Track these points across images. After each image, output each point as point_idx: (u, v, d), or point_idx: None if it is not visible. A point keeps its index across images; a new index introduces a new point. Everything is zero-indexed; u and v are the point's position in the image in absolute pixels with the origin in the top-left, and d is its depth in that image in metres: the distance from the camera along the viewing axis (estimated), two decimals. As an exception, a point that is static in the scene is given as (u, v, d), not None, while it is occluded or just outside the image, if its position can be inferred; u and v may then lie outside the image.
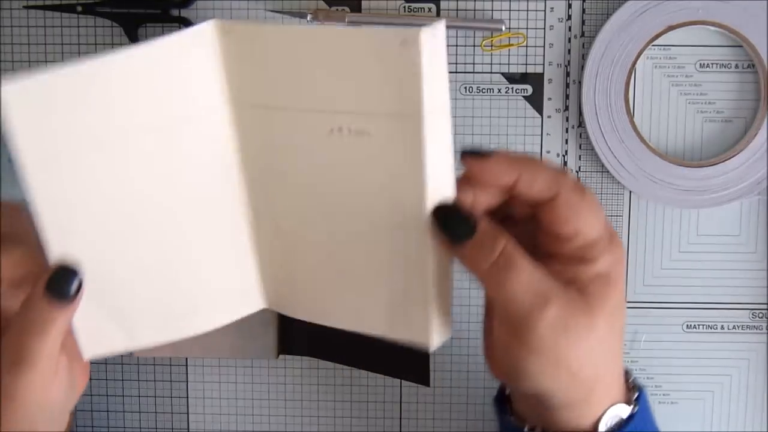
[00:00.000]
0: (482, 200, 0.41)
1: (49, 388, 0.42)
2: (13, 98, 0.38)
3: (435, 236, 0.40)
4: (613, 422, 0.43)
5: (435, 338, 0.42)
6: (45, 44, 0.59)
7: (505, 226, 0.41)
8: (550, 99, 0.59)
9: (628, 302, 0.60)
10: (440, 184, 0.39)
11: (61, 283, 0.41)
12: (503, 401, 0.47)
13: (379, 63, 0.37)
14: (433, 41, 0.35)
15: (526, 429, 0.44)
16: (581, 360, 0.40)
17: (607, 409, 0.42)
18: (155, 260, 0.44)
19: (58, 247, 0.42)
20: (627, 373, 0.45)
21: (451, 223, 0.39)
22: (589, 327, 0.40)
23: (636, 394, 0.45)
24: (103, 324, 0.44)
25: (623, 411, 0.43)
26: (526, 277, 0.39)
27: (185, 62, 0.41)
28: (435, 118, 0.37)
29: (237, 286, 0.46)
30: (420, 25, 0.35)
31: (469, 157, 0.40)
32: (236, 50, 0.41)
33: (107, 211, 0.42)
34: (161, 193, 0.43)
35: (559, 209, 0.40)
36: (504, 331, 0.41)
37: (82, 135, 0.40)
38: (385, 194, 0.40)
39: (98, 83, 0.40)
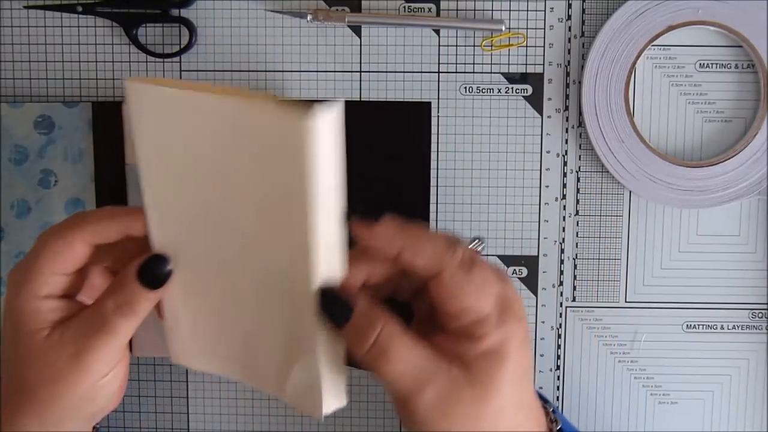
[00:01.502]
0: (377, 272, 0.42)
1: (115, 369, 0.45)
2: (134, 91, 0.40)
3: (320, 315, 0.40)
4: None
5: (325, 408, 0.42)
6: (45, 44, 0.59)
7: (414, 295, 0.41)
8: (550, 99, 0.59)
9: (629, 302, 0.60)
10: (329, 263, 0.40)
11: (154, 268, 0.43)
12: None
13: (274, 139, 0.37)
14: (327, 123, 0.36)
15: None
16: None
17: None
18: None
19: (160, 238, 0.43)
20: (546, 406, 0.46)
21: (329, 306, 0.40)
22: (477, 403, 0.40)
23: (558, 427, 0.46)
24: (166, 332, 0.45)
25: None
26: (402, 363, 0.39)
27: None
28: (325, 199, 0.38)
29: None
30: (323, 101, 0.36)
31: (357, 222, 0.41)
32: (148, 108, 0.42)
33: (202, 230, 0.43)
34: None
35: (443, 287, 0.40)
36: (396, 405, 0.41)
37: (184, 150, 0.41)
38: (281, 267, 0.40)
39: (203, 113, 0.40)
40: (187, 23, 0.58)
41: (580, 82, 0.58)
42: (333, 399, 0.42)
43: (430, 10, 0.58)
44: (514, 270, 0.60)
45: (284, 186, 0.38)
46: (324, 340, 0.41)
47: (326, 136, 0.36)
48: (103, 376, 0.44)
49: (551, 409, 0.47)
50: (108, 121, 0.57)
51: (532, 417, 0.43)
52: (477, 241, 0.43)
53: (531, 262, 0.60)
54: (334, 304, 0.40)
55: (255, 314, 0.43)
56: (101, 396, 0.45)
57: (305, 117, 0.35)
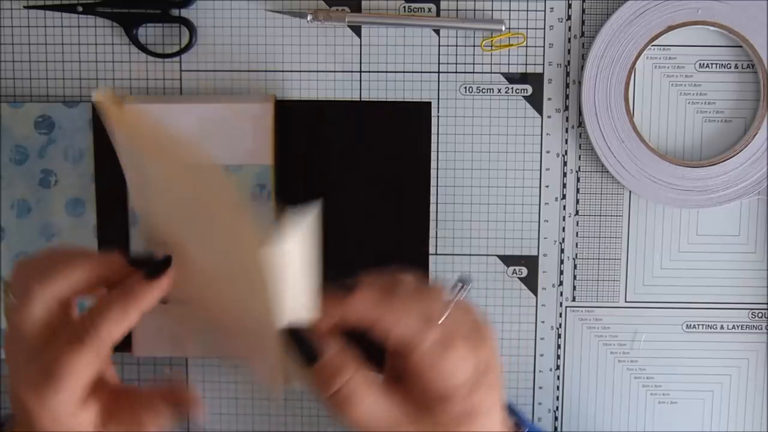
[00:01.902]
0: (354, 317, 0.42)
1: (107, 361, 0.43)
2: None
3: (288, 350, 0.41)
4: None
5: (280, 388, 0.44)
6: (45, 44, 0.59)
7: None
8: (550, 99, 0.59)
9: (629, 302, 0.60)
10: (298, 305, 0.40)
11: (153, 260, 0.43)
12: None
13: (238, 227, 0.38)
14: (290, 244, 0.37)
15: None
16: None
17: None
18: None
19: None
20: (514, 417, 0.47)
21: (298, 346, 0.40)
22: None
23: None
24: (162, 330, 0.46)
25: None
26: (366, 413, 0.40)
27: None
28: (292, 310, 0.39)
29: None
30: (294, 217, 0.37)
31: (329, 295, 0.41)
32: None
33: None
34: None
35: (416, 363, 0.40)
36: None
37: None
38: (248, 298, 0.41)
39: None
40: (187, 23, 0.58)
41: (580, 82, 0.58)
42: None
43: (430, 10, 0.58)
44: (515, 270, 0.60)
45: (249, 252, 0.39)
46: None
47: (289, 262, 0.37)
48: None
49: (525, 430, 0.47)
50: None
51: None
52: (461, 284, 0.43)
53: (531, 262, 0.60)
54: (302, 345, 0.40)
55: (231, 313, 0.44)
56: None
57: (265, 244, 0.36)
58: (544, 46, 0.58)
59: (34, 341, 0.42)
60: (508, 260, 0.60)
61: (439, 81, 0.59)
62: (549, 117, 0.59)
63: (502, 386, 0.43)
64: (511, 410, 0.52)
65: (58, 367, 0.40)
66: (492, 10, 0.58)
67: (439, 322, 0.41)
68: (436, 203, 0.59)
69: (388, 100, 0.59)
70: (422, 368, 0.40)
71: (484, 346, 0.43)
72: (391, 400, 0.41)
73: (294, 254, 0.39)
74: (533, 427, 0.49)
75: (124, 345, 0.56)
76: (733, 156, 0.58)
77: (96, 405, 0.43)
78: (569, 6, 0.58)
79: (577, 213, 0.59)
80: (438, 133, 0.59)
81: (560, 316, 0.60)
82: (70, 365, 0.40)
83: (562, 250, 0.60)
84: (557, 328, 0.60)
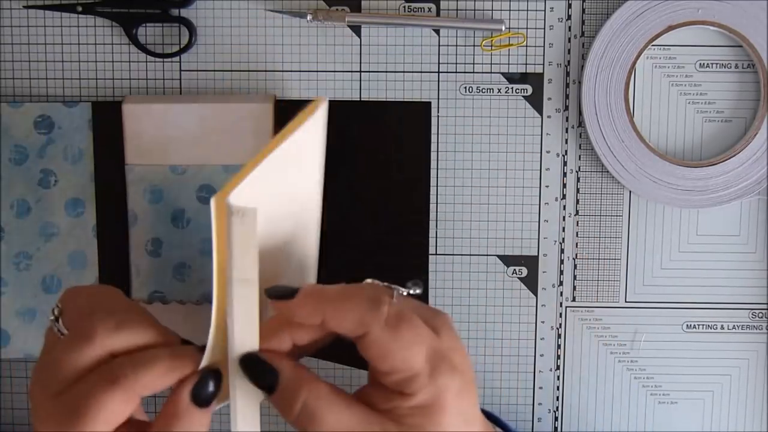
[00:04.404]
0: (305, 336, 0.42)
1: None
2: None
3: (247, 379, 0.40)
4: None
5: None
6: (45, 44, 0.59)
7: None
8: (550, 99, 0.59)
9: (629, 302, 0.60)
10: (248, 334, 0.40)
11: (205, 388, 0.41)
12: None
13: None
14: (243, 226, 0.37)
15: None
16: None
17: None
18: None
19: None
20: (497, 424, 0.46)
21: (254, 373, 0.40)
22: None
23: None
24: None
25: None
26: (332, 425, 0.39)
27: None
28: (241, 288, 0.39)
29: None
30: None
31: (274, 298, 0.41)
32: None
33: None
34: None
35: (369, 348, 0.40)
36: None
37: None
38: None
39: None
40: (187, 23, 0.58)
41: (580, 82, 0.58)
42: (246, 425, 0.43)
43: (430, 10, 0.58)
44: (514, 270, 0.60)
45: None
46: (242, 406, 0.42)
47: (244, 236, 0.37)
48: None
49: None
50: (108, 121, 0.57)
51: None
52: (411, 285, 0.42)
53: (531, 262, 0.60)
54: (259, 372, 0.40)
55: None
56: None
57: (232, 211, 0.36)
58: (544, 46, 0.58)
59: (69, 377, 0.41)
60: (508, 260, 0.60)
61: (439, 81, 0.59)
62: (549, 117, 0.59)
63: (471, 374, 0.42)
64: (492, 418, 0.51)
65: (88, 404, 0.40)
66: (492, 10, 0.58)
67: (388, 305, 0.40)
68: (436, 203, 0.59)
69: (388, 100, 0.59)
70: (378, 354, 0.40)
71: (441, 328, 0.41)
72: (355, 409, 0.40)
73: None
74: None
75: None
76: (733, 156, 0.58)
77: None
78: (569, 6, 0.58)
79: (577, 213, 0.59)
80: (438, 133, 0.59)
81: (560, 316, 0.60)
82: (100, 403, 0.40)
83: (562, 250, 0.60)
84: (557, 328, 0.60)
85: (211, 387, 0.41)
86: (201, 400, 0.41)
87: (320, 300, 0.40)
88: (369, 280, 0.42)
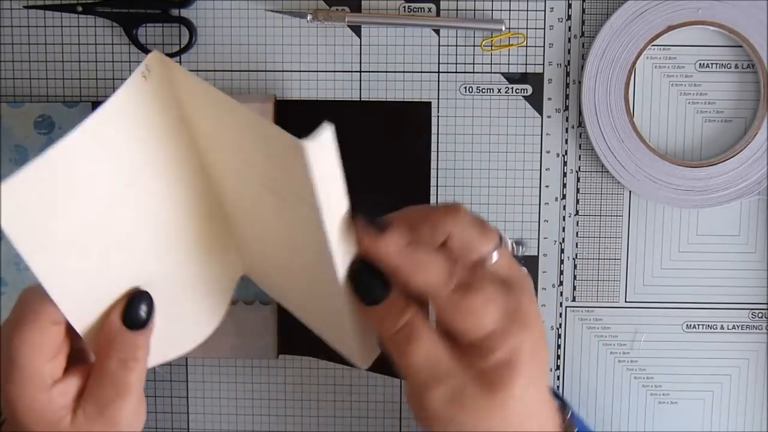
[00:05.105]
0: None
1: (142, 411, 0.45)
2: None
3: (351, 293, 0.41)
4: None
5: (361, 362, 0.45)
6: (45, 44, 0.59)
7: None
8: (550, 99, 0.59)
9: (629, 302, 0.60)
10: (348, 253, 0.40)
11: (134, 310, 0.43)
12: None
13: (283, 156, 0.38)
14: (322, 150, 0.36)
15: None
16: None
17: None
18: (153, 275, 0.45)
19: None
20: (563, 410, 0.45)
21: (364, 286, 0.41)
22: (488, 410, 0.40)
23: (575, 430, 0.45)
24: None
25: None
26: (424, 354, 0.40)
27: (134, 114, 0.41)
28: (332, 211, 0.39)
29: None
30: (315, 133, 0.36)
31: (364, 227, 0.40)
32: (171, 94, 0.42)
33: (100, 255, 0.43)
34: (146, 223, 0.44)
35: (441, 311, 0.40)
36: (408, 391, 0.41)
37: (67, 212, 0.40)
38: (309, 249, 0.41)
39: (66, 164, 0.39)
40: (187, 23, 0.58)
41: (580, 82, 0.58)
42: (368, 356, 0.45)
43: (430, 10, 0.58)
44: (514, 270, 0.60)
45: (296, 192, 0.39)
46: (353, 315, 0.42)
47: (324, 162, 0.37)
48: (135, 427, 0.44)
49: (568, 414, 0.46)
50: (108, 121, 0.57)
51: (546, 422, 0.43)
52: (513, 243, 0.42)
53: (531, 262, 0.60)
54: (369, 283, 0.40)
55: (305, 281, 0.45)
56: None
57: (304, 141, 0.36)
58: (544, 46, 0.58)
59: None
60: (508, 260, 0.60)
61: (439, 81, 0.59)
62: (549, 117, 0.59)
63: (544, 338, 0.42)
64: (559, 398, 0.50)
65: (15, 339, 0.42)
66: (492, 10, 0.58)
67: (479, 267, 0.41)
68: (436, 203, 0.59)
69: (388, 100, 0.59)
70: (449, 317, 0.40)
71: (512, 287, 0.41)
72: (444, 348, 0.40)
73: (332, 159, 0.38)
74: (583, 427, 0.48)
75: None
76: (733, 156, 0.58)
77: (72, 381, 0.43)
78: (569, 6, 0.58)
79: (577, 213, 0.59)
80: (438, 133, 0.59)
81: (560, 316, 0.60)
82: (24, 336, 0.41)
83: (562, 250, 0.60)
84: (557, 328, 0.60)
85: (141, 310, 0.43)
86: (131, 322, 0.43)
87: (403, 248, 0.40)
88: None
